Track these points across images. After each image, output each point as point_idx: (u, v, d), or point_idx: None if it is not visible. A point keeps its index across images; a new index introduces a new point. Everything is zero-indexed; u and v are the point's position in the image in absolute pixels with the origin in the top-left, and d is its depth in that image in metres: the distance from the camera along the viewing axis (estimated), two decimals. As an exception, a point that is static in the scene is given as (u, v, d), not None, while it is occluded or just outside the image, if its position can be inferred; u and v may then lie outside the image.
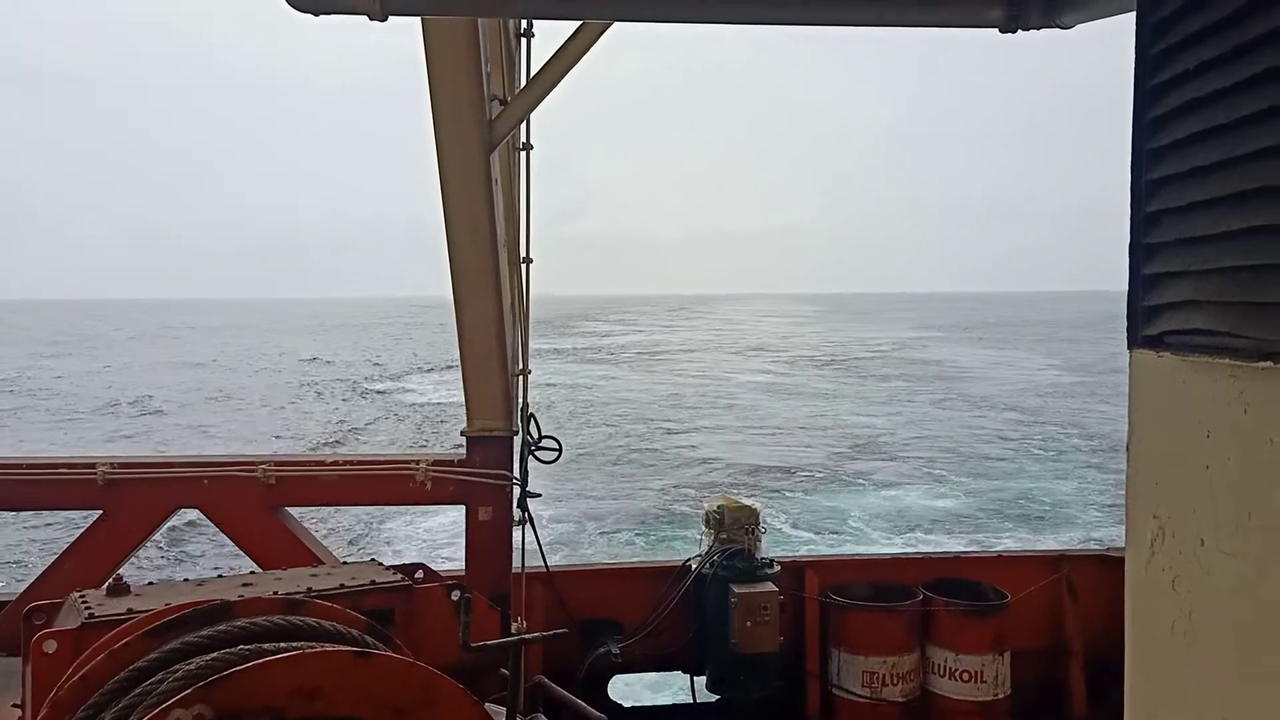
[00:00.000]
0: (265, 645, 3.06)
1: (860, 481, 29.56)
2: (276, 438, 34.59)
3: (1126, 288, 2.16)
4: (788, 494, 27.60)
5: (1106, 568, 7.11)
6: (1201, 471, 1.85)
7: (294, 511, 5.88)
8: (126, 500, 5.36)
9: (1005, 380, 58.09)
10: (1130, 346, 2.10)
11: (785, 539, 22.01)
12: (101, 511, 5.39)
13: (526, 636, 3.24)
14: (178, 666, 2.99)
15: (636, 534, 22.70)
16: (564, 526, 21.94)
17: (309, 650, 2.96)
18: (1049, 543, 20.78)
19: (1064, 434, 36.84)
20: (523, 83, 5.00)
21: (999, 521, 24.03)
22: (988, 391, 52.14)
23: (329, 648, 3.03)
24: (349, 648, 3.06)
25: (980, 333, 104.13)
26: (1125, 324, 2.14)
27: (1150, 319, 2.04)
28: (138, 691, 2.95)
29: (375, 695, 2.89)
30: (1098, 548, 8.31)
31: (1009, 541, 21.25)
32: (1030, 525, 23.48)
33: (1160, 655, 1.96)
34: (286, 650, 2.95)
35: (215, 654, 2.98)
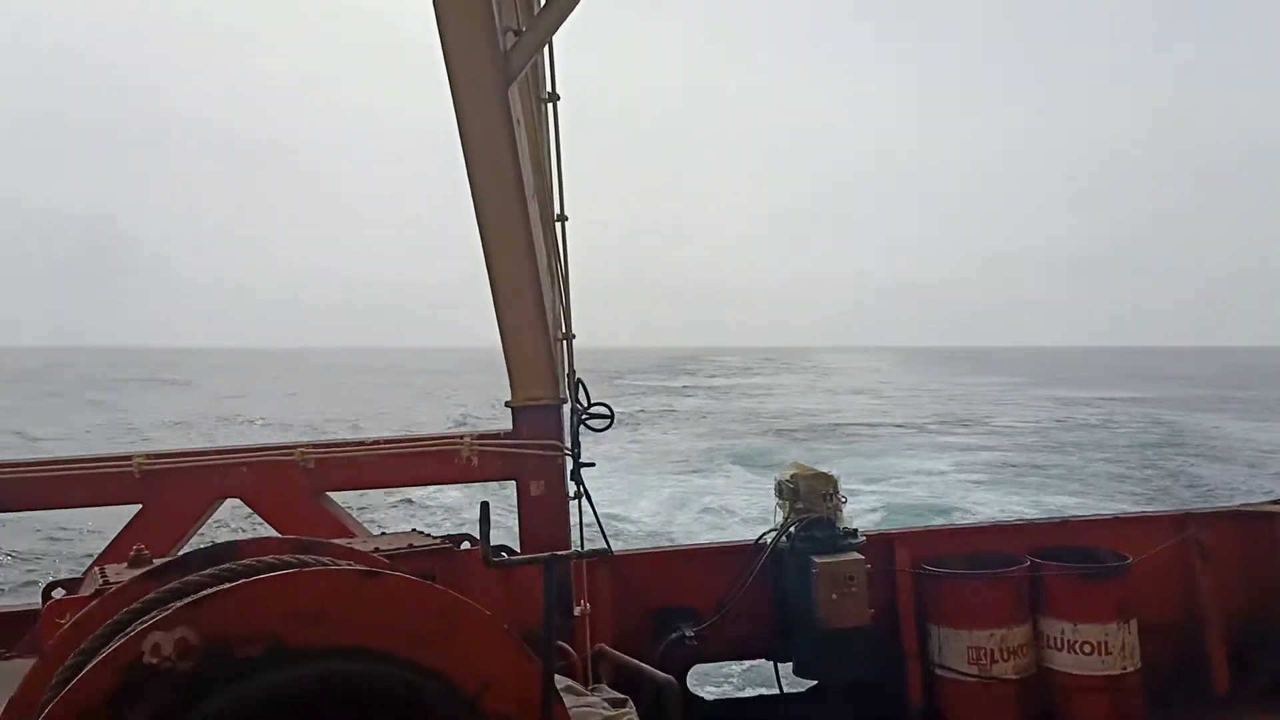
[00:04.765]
0: (268, 578, 2.75)
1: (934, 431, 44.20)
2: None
3: None
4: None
5: (1241, 526, 6.32)
6: None
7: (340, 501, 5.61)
8: (165, 492, 5.16)
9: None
10: None
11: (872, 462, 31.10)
12: (141, 506, 5.20)
13: (560, 554, 2.83)
14: (171, 604, 2.70)
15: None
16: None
17: (308, 568, 2.61)
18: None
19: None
20: (538, 9, 4.74)
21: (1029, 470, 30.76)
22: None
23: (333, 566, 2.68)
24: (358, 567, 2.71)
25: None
26: None
27: None
28: (130, 630, 2.66)
29: (388, 620, 2.52)
30: (1227, 505, 7.45)
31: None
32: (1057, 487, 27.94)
33: None
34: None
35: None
